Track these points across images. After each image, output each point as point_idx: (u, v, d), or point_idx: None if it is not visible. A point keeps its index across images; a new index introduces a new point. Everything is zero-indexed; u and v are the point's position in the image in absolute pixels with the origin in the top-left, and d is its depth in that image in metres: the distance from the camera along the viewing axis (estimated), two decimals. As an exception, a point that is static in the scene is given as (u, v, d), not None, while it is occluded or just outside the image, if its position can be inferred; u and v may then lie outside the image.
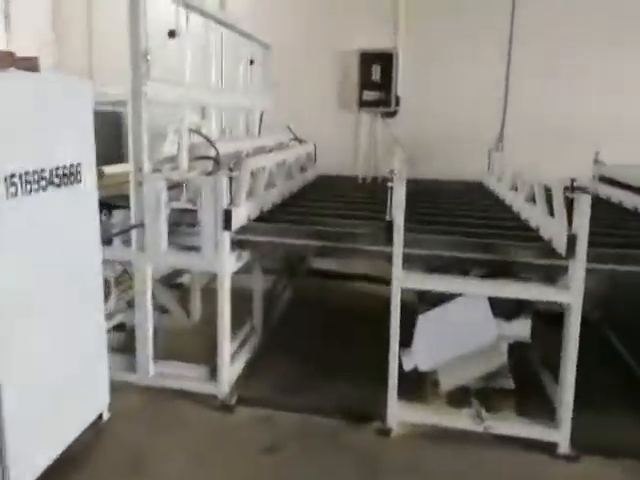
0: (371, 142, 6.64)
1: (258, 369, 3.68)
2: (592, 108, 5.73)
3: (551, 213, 3.20)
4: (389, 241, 2.90)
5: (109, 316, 4.02)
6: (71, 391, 2.64)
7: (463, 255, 3.01)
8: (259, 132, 5.30)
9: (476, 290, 2.91)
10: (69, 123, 2.56)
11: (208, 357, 3.34)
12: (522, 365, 3.34)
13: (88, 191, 2.70)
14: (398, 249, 2.85)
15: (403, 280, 2.89)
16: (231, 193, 3.16)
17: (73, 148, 2.58)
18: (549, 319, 3.17)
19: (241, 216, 3.27)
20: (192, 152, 3.35)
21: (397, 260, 2.87)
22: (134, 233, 3.24)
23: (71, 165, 2.54)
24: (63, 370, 2.58)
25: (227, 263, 3.16)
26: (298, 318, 4.64)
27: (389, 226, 2.90)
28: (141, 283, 3.28)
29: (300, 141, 5.44)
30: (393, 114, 6.51)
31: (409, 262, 2.94)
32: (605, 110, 5.70)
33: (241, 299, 3.74)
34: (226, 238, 3.13)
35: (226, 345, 3.25)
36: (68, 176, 2.52)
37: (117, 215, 3.32)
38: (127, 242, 3.29)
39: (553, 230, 3.01)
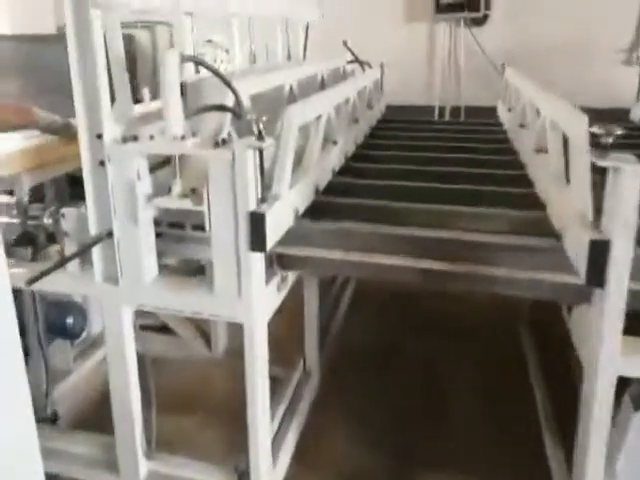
0: (451, 60, 4.93)
1: (316, 453, 2.26)
2: None
3: None
4: (596, 276, 1.36)
5: (89, 349, 2.71)
6: None
7: None
8: (304, 55, 3.68)
9: None
10: None
11: (239, 427, 1.95)
12: None
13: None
14: (619, 299, 1.32)
15: (627, 363, 1.37)
16: (264, 176, 1.65)
17: None
18: None
19: (283, 216, 1.77)
20: (192, 100, 1.82)
21: (612, 318, 1.35)
22: (97, 251, 1.81)
23: None
24: None
25: (259, 306, 1.70)
26: (366, 333, 3.16)
27: (599, 249, 1.34)
28: (114, 338, 1.87)
29: (362, 64, 3.79)
30: (482, 21, 4.76)
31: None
32: None
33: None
34: (256, 264, 1.66)
35: (262, 443, 1.83)
36: None
37: (70, 217, 1.86)
38: (88, 261, 1.86)
39: None
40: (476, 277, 1.61)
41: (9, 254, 2.14)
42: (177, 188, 1.69)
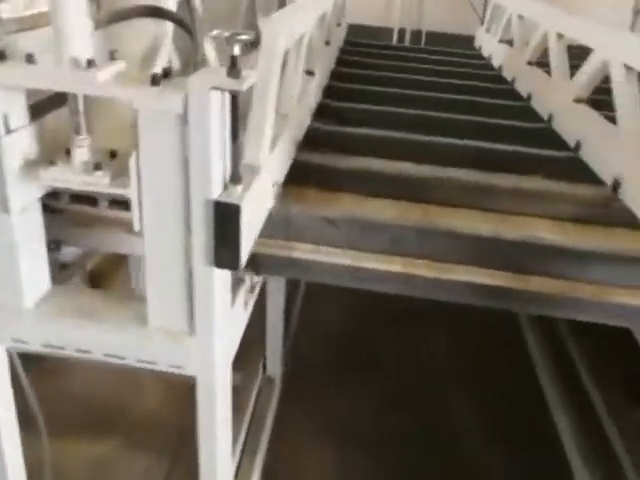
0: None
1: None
2: None
3: None
4: None
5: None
6: None
7: None
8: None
9: None
10: None
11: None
12: None
13: None
14: None
15: None
16: (237, 137, 0.93)
17: None
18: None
19: (262, 200, 1.07)
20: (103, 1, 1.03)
21: None
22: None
23: None
24: None
25: (222, 347, 1.02)
26: (327, 330, 2.54)
27: None
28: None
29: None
30: None
31: None
32: None
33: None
34: (220, 284, 0.97)
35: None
36: None
37: None
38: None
39: None
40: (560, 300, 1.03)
41: None
42: (82, 153, 0.94)
